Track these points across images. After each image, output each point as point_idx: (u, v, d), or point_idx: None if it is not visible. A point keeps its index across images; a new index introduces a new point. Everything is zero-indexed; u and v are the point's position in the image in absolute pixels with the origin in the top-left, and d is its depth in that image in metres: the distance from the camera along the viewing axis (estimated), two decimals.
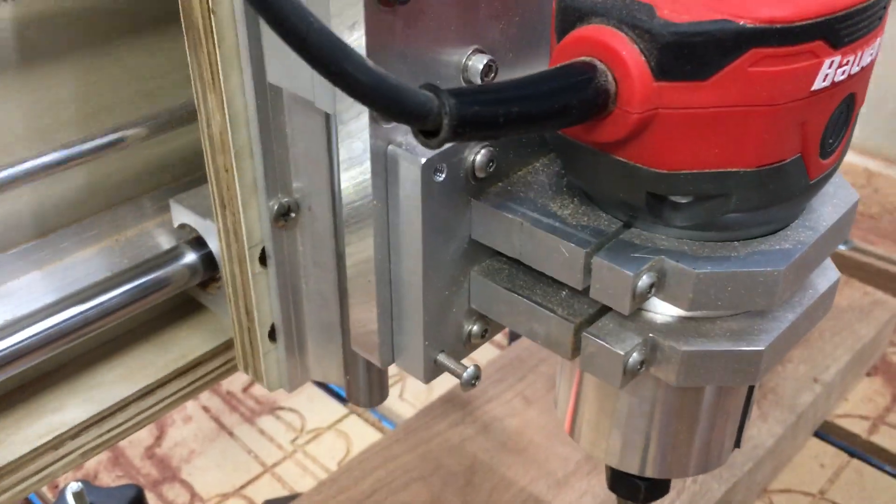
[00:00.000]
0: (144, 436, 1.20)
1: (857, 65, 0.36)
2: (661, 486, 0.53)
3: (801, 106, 0.35)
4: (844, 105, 0.37)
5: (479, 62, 0.42)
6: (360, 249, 0.44)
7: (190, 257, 0.59)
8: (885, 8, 0.36)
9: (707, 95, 0.34)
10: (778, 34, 0.33)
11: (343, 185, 0.43)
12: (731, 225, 0.39)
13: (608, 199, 0.41)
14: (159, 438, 1.20)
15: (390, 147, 0.41)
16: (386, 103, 0.28)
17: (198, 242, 0.59)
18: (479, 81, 0.42)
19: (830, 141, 0.38)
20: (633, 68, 0.34)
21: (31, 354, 0.53)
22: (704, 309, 0.41)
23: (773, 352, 0.41)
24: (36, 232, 0.58)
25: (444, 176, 0.41)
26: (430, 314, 0.45)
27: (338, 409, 1.25)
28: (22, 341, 0.52)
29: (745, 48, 0.33)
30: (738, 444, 0.51)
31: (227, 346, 0.63)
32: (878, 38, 0.37)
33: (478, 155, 0.42)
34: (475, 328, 0.48)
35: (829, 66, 0.34)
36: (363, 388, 0.60)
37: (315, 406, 1.26)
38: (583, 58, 0.35)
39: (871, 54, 0.37)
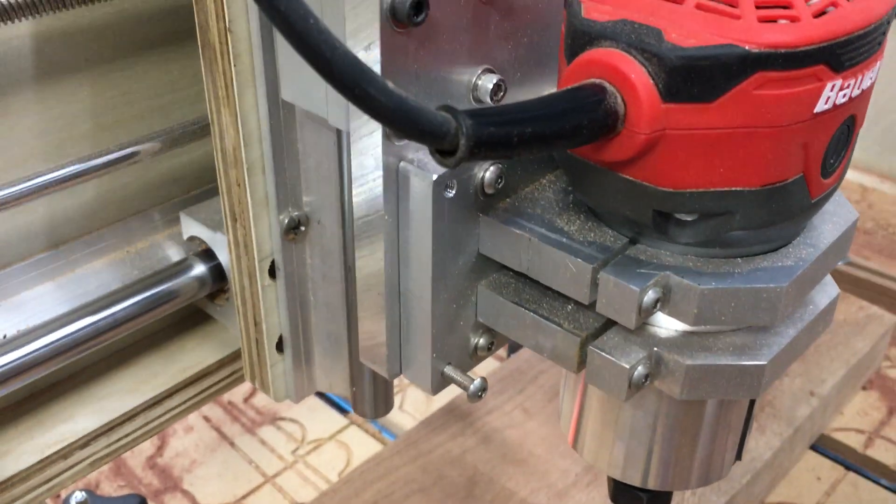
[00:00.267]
0: (146, 446, 1.20)
1: (858, 88, 0.37)
2: (662, 499, 0.53)
3: (804, 128, 0.36)
4: (845, 126, 0.38)
5: (488, 82, 0.43)
6: (370, 263, 0.45)
7: (199, 269, 0.60)
8: (884, 34, 0.37)
9: (713, 117, 0.35)
10: (782, 58, 0.34)
11: (355, 200, 0.44)
12: (734, 242, 0.40)
13: (615, 216, 0.42)
14: (161, 448, 1.21)
15: (402, 163, 0.42)
16: (406, 124, 0.29)
17: (207, 254, 0.60)
18: (488, 100, 0.43)
19: (831, 161, 0.39)
20: (641, 91, 0.35)
21: (43, 365, 0.54)
22: (708, 324, 0.42)
23: (774, 366, 0.42)
24: (48, 243, 0.58)
25: (453, 192, 0.42)
26: (438, 327, 0.46)
27: (338, 419, 1.26)
28: (34, 352, 0.53)
29: (751, 72, 0.34)
30: (738, 456, 0.52)
31: (234, 357, 0.64)
32: (878, 62, 0.38)
33: (487, 171, 0.43)
34: (481, 341, 0.49)
35: (831, 90, 0.35)
36: (369, 400, 0.60)
37: (316, 417, 1.26)
38: (593, 80, 0.36)
39: (871, 78, 0.38)
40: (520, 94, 0.46)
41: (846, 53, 0.35)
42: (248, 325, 0.55)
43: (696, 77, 0.34)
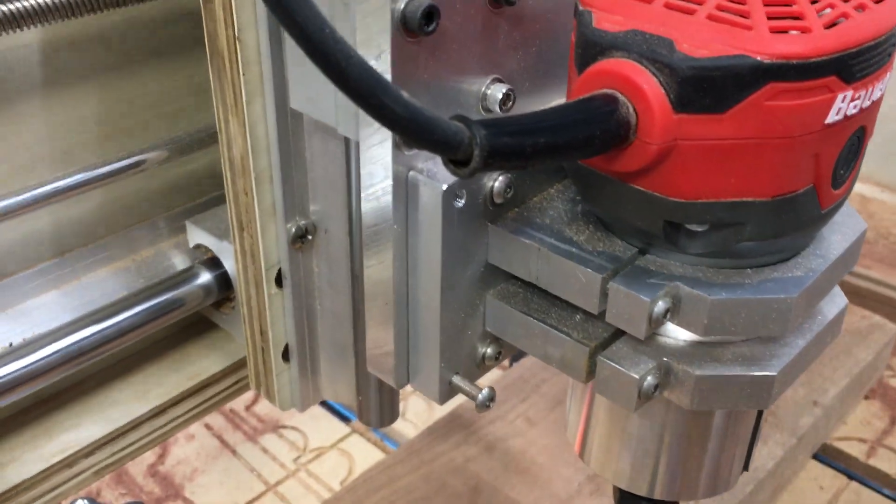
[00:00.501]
0: (147, 453, 1.20)
1: (869, 99, 0.37)
2: None
3: (815, 138, 0.36)
4: (855, 137, 0.38)
5: (497, 91, 0.43)
6: (379, 272, 0.45)
7: (205, 277, 0.60)
8: (894, 45, 0.37)
9: (725, 128, 0.35)
10: (794, 69, 0.34)
11: (363, 209, 0.44)
12: (744, 253, 0.40)
13: (625, 227, 0.42)
14: (162, 456, 1.20)
15: (411, 173, 0.42)
16: (420, 134, 0.29)
17: (213, 263, 0.60)
18: (497, 110, 0.43)
19: (842, 172, 0.39)
20: (653, 101, 0.35)
21: (48, 373, 0.54)
22: (718, 334, 0.41)
23: (784, 377, 0.42)
24: (54, 251, 0.58)
25: (463, 202, 0.42)
26: (447, 336, 0.46)
27: (340, 428, 1.26)
28: (39, 360, 0.53)
29: (763, 83, 0.34)
30: (746, 467, 0.52)
31: (239, 365, 0.64)
32: (888, 73, 0.38)
33: (496, 181, 0.43)
34: (489, 350, 0.49)
35: (843, 101, 0.35)
36: (374, 409, 0.60)
37: (318, 425, 1.26)
38: (604, 90, 0.36)
39: (881, 89, 0.38)
40: (528, 104, 0.46)
41: (857, 64, 0.35)
42: (254, 333, 0.55)
43: (707, 87, 0.34)
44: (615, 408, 0.49)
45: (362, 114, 0.41)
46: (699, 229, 0.39)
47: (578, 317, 0.45)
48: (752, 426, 0.50)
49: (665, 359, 0.42)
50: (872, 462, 1.15)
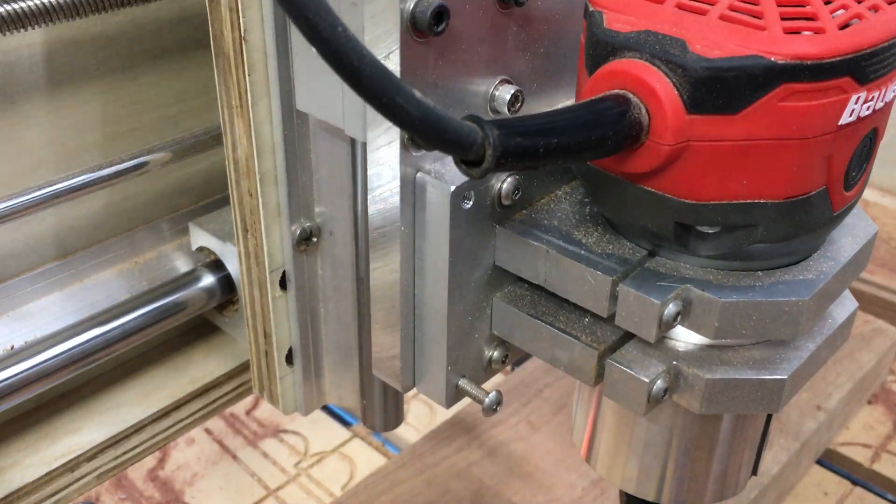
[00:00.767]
0: (147, 458, 1.19)
1: (882, 100, 0.37)
2: None
3: (828, 140, 0.36)
4: (868, 139, 0.38)
5: (506, 92, 0.43)
6: (385, 274, 0.45)
7: (208, 280, 0.59)
8: None
9: (737, 129, 0.35)
10: (808, 70, 0.33)
11: (370, 211, 0.43)
12: (755, 255, 0.40)
13: (634, 229, 0.42)
14: (162, 461, 1.20)
15: (419, 174, 0.42)
16: (433, 134, 0.28)
17: (216, 265, 0.60)
18: (506, 111, 0.43)
19: (853, 174, 0.39)
20: (665, 101, 0.34)
21: (50, 376, 0.53)
22: (729, 337, 0.41)
23: (795, 380, 0.42)
24: (57, 253, 0.58)
25: (471, 203, 0.42)
26: (454, 339, 0.46)
27: (341, 432, 1.25)
28: (41, 363, 0.53)
29: (776, 83, 0.34)
30: (755, 471, 0.51)
31: (242, 369, 0.63)
32: None
33: (504, 183, 0.43)
34: (496, 354, 0.49)
35: (856, 102, 0.35)
36: (379, 413, 0.60)
37: (319, 429, 1.25)
38: (616, 91, 0.35)
39: (894, 90, 0.37)
40: (536, 105, 0.46)
41: (871, 65, 0.35)
42: (258, 336, 0.55)
43: (720, 88, 0.34)
44: (623, 411, 0.48)
45: (369, 115, 0.41)
46: (710, 231, 0.39)
47: (587, 320, 0.45)
48: (760, 430, 0.49)
49: (675, 362, 0.42)
50: (876, 467, 1.15)
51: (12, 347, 0.54)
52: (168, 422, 0.60)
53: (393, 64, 0.38)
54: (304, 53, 0.44)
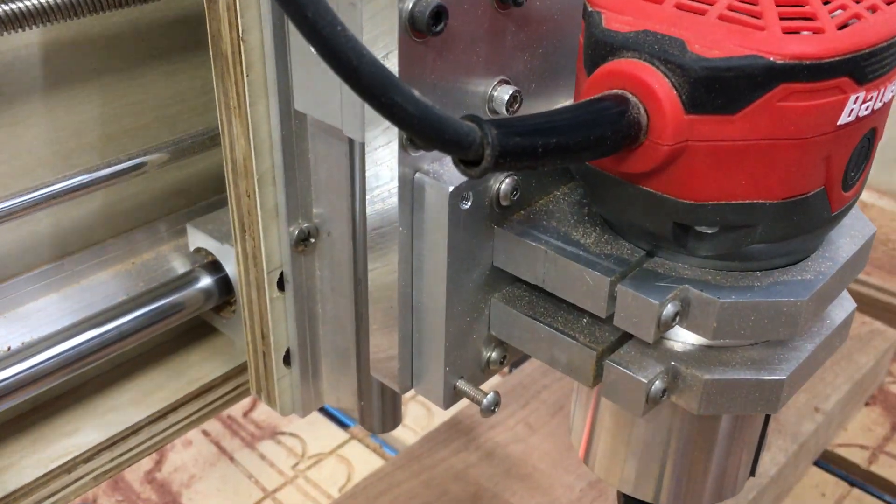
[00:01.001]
0: (144, 460, 1.19)
1: (880, 100, 0.37)
2: None
3: (827, 140, 0.36)
4: (866, 139, 0.38)
5: (504, 93, 0.43)
6: (383, 275, 0.45)
7: (205, 281, 0.59)
8: None
9: (736, 129, 0.35)
10: (806, 70, 0.33)
11: (368, 211, 0.43)
12: (754, 255, 0.40)
13: (633, 229, 0.42)
14: (159, 463, 1.20)
15: (417, 174, 0.42)
16: (431, 134, 0.28)
17: (213, 266, 0.60)
18: (504, 111, 0.43)
19: (852, 174, 0.39)
20: (664, 101, 0.34)
21: (47, 377, 0.53)
22: (727, 338, 0.41)
23: (793, 381, 0.42)
24: (53, 254, 0.58)
25: (469, 204, 0.42)
26: (452, 340, 0.45)
27: (339, 434, 1.25)
28: (38, 364, 0.52)
29: (775, 83, 0.34)
30: (753, 472, 0.51)
31: (239, 370, 0.63)
32: None
33: (502, 183, 0.43)
34: (494, 355, 0.48)
35: (855, 102, 0.35)
36: (376, 414, 0.60)
37: (316, 431, 1.25)
38: (615, 91, 0.35)
39: (893, 90, 0.37)
40: (534, 106, 0.46)
41: (870, 66, 0.35)
42: (255, 337, 0.54)
43: (719, 88, 0.34)
44: (621, 412, 0.48)
45: (368, 115, 0.41)
46: (709, 231, 0.39)
47: (585, 320, 0.45)
48: (759, 431, 0.49)
49: (673, 363, 0.42)
50: (874, 468, 1.15)
51: (9, 349, 0.54)
52: (165, 423, 0.60)
53: (391, 64, 0.38)
54: (303, 53, 0.44)
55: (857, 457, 1.16)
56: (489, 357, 0.48)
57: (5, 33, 0.46)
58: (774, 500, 1.07)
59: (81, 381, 0.60)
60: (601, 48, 0.37)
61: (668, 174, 0.36)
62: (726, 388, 0.41)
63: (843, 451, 1.17)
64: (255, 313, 0.53)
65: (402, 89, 0.27)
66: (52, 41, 0.53)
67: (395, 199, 0.42)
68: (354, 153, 0.47)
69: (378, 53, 0.38)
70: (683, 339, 0.43)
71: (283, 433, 1.25)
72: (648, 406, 0.42)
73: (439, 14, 0.37)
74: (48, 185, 0.52)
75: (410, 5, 0.36)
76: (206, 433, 1.25)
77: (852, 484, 1.13)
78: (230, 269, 0.59)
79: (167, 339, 0.64)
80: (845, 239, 0.44)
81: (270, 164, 0.48)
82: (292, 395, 0.57)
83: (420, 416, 1.27)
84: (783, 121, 0.34)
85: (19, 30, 0.47)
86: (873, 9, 0.36)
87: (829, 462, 1.17)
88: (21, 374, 0.52)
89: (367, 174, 0.42)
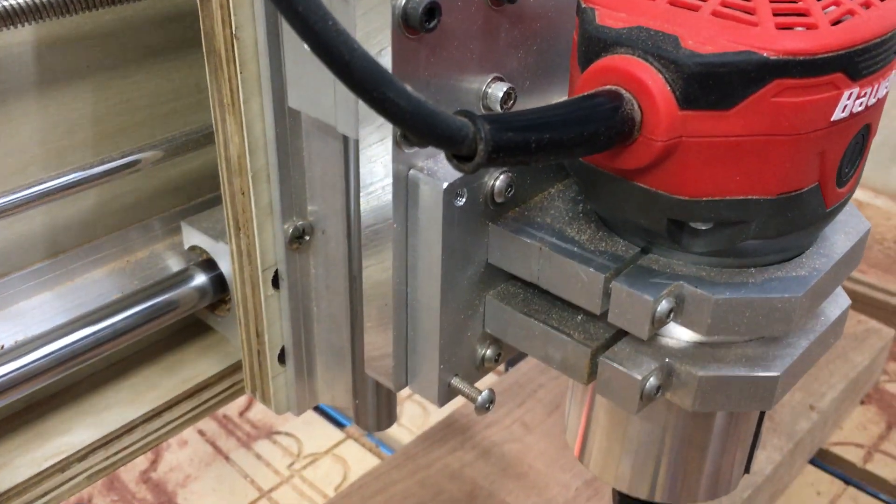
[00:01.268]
0: (139, 460, 1.19)
1: (874, 96, 0.37)
2: None
3: (821, 136, 0.36)
4: (860, 135, 0.38)
5: (498, 90, 0.43)
6: (378, 272, 0.45)
7: (200, 279, 0.59)
8: None
9: (730, 124, 0.35)
10: (800, 66, 0.33)
11: (363, 209, 0.43)
12: (748, 251, 0.40)
13: (627, 225, 0.41)
14: (154, 463, 1.19)
15: (411, 171, 0.41)
16: (424, 129, 0.28)
17: (208, 264, 0.59)
18: (498, 108, 0.43)
19: (846, 170, 0.39)
20: (658, 97, 0.34)
21: (41, 376, 0.53)
22: (722, 334, 0.41)
23: (787, 377, 0.42)
24: (47, 252, 0.58)
25: (464, 200, 0.42)
26: (446, 338, 0.45)
27: (335, 433, 1.25)
28: (32, 363, 0.52)
29: (769, 79, 0.34)
30: (747, 469, 0.51)
31: (234, 369, 0.63)
32: (894, 71, 0.37)
33: (497, 180, 0.43)
34: (488, 352, 0.48)
35: (849, 98, 0.35)
36: (371, 412, 0.60)
37: (312, 430, 1.25)
38: (608, 87, 0.35)
39: (887, 87, 0.37)
40: (529, 103, 0.46)
41: (863, 61, 0.35)
42: (250, 335, 0.54)
43: (713, 84, 0.34)
44: (616, 410, 0.48)
45: (362, 112, 0.41)
46: (703, 227, 0.39)
47: (580, 317, 0.44)
48: (753, 428, 0.49)
49: (667, 360, 0.42)
50: (869, 467, 1.15)
51: (2, 347, 0.54)
52: (160, 422, 0.60)
53: (385, 61, 0.38)
54: (296, 50, 0.44)
55: (853, 455, 1.17)
56: (484, 354, 0.48)
57: None
58: (770, 499, 1.07)
59: (75, 379, 0.60)
60: (595, 44, 0.37)
61: (662, 170, 0.36)
62: (721, 385, 0.41)
63: (838, 450, 1.17)
64: (250, 311, 0.53)
65: (395, 84, 0.27)
66: (45, 39, 0.52)
67: (389, 196, 0.42)
68: (349, 150, 0.47)
69: (371, 50, 0.38)
70: (678, 335, 0.43)
71: (278, 433, 1.25)
72: (643, 403, 0.42)
73: (432, 11, 0.37)
74: (42, 183, 0.52)
75: (403, 2, 0.36)
76: (201, 433, 1.24)
77: (847, 482, 1.13)
78: (225, 266, 0.59)
79: (162, 338, 0.63)
80: (840, 235, 0.44)
81: (265, 162, 0.48)
82: (287, 393, 0.57)
83: (416, 416, 1.27)
84: (777, 117, 0.34)
85: (11, 27, 0.47)
86: (867, 5, 0.36)
87: (825, 460, 1.17)
88: (14, 373, 0.51)
89: (362, 171, 0.42)
